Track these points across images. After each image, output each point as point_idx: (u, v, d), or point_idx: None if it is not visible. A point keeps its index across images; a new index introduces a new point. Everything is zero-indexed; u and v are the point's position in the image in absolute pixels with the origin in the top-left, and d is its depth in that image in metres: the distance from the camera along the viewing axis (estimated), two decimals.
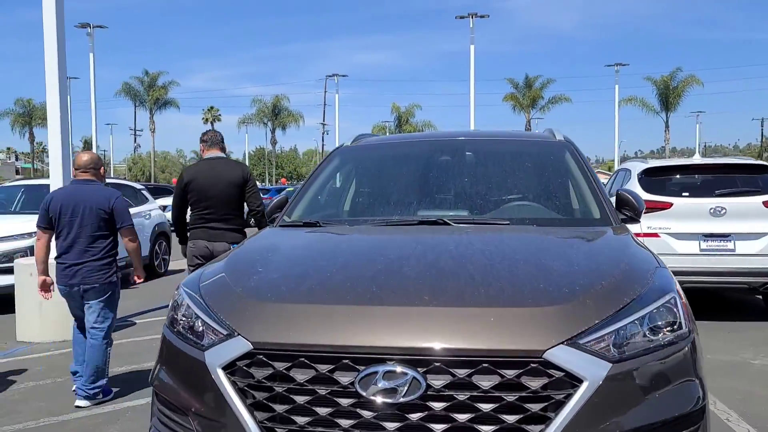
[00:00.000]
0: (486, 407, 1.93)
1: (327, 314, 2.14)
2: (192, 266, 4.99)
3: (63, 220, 4.48)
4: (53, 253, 4.62)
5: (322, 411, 2.01)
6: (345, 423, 1.99)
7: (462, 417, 1.93)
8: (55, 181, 6.98)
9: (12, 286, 7.04)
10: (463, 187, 3.50)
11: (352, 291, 2.24)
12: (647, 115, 50.49)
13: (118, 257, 4.70)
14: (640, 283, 2.24)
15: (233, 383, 2.12)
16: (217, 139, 5.27)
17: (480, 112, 29.53)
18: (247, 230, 5.14)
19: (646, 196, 6.74)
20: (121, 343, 6.09)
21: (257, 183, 5.54)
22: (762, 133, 73.93)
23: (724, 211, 6.75)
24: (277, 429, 2.05)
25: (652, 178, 7.22)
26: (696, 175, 7.37)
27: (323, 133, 65.71)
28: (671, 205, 6.88)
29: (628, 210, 3.27)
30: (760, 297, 7.53)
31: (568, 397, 1.92)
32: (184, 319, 2.43)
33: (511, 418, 1.92)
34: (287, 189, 27.44)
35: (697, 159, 8.09)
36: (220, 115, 69.23)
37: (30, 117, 60.13)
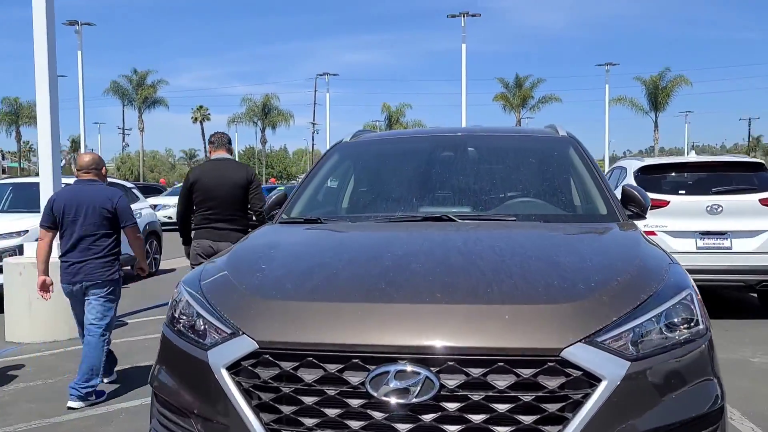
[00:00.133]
0: (501, 408, 1.86)
1: (335, 312, 2.07)
2: (195, 265, 4.97)
3: (67, 220, 4.56)
4: (56, 251, 4.70)
5: (331, 412, 1.94)
6: (355, 425, 1.92)
7: (477, 418, 1.87)
8: (45, 179, 6.87)
9: (1, 286, 6.91)
10: (466, 183, 3.43)
11: (360, 288, 2.17)
12: (636, 115, 50.84)
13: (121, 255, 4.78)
14: (655, 280, 2.19)
15: (238, 384, 2.05)
16: (224, 140, 5.37)
17: (470, 112, 29.66)
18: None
19: None
20: (114, 344, 5.92)
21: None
22: (749, 132, 74.63)
23: (720, 208, 6.75)
24: (283, 431, 1.97)
25: (649, 176, 7.20)
26: (692, 173, 7.36)
27: (313, 133, 65.63)
28: (668, 202, 6.86)
29: (634, 206, 3.23)
30: (755, 295, 7.54)
31: (586, 396, 1.86)
32: (184, 317, 2.36)
33: (527, 419, 1.86)
34: (278, 188, 27.21)
35: (692, 157, 8.08)
36: (209, 114, 68.83)
37: (17, 116, 59.51)
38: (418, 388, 1.88)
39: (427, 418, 1.88)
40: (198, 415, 2.14)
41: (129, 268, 8.59)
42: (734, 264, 6.64)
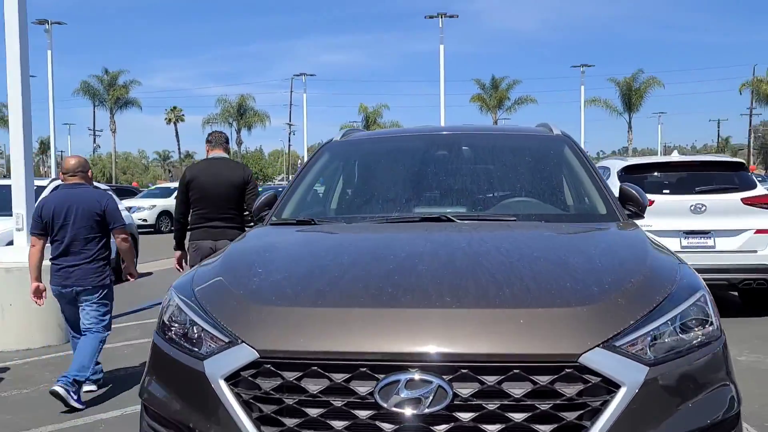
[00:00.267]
0: (518, 417, 1.78)
1: (340, 318, 1.96)
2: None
3: (56, 225, 4.54)
4: (47, 255, 4.68)
5: (338, 425, 1.84)
6: None
7: (492, 428, 1.78)
8: (17, 182, 6.63)
9: None
10: (463, 183, 3.36)
11: (365, 292, 2.07)
12: (611, 116, 51.44)
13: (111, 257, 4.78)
14: (668, 281, 2.13)
15: (237, 395, 1.93)
16: (221, 139, 5.36)
17: (447, 113, 29.67)
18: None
19: None
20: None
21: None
22: (718, 133, 76.09)
23: (704, 208, 6.79)
24: None
25: (632, 176, 7.21)
26: (675, 173, 7.41)
27: (290, 134, 65.20)
28: (652, 202, 6.87)
29: (632, 205, 3.18)
30: (736, 294, 7.60)
31: (605, 404, 1.79)
32: (176, 325, 2.23)
33: (544, 429, 1.78)
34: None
35: (675, 156, 8.14)
36: (183, 115, 67.95)
37: None
38: (431, 397, 1.79)
39: (440, 429, 1.79)
40: (193, 429, 2.02)
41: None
42: (717, 263, 6.69)
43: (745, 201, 6.79)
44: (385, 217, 3.03)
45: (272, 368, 1.91)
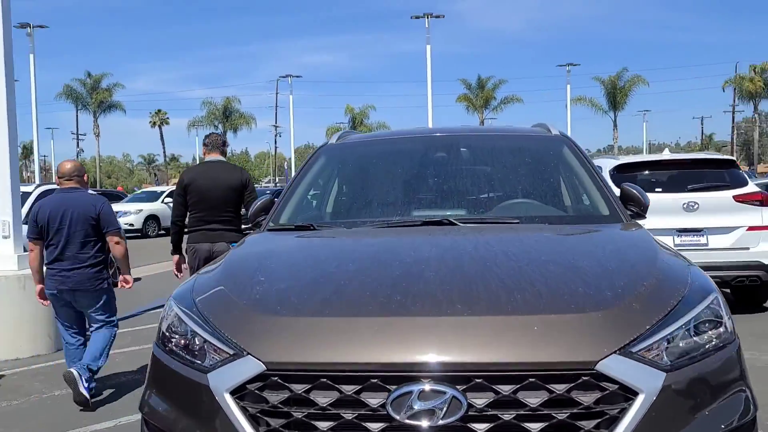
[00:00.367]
0: (534, 427, 1.74)
1: (349, 328, 1.91)
2: (195, 268, 5.05)
3: (51, 229, 4.55)
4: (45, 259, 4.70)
5: None
6: None
7: None
8: (3, 188, 6.48)
9: None
10: (463, 185, 3.32)
11: (373, 301, 2.01)
12: (596, 114, 51.78)
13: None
14: (681, 283, 2.09)
15: (243, 409, 1.87)
16: (218, 142, 5.40)
17: (434, 113, 29.70)
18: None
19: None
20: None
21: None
22: (702, 131, 76.86)
23: (696, 206, 6.81)
24: None
25: (625, 175, 7.21)
26: (667, 171, 7.42)
27: (276, 135, 64.91)
28: None
29: (634, 205, 3.15)
30: (729, 291, 7.63)
31: (623, 411, 1.75)
32: (177, 336, 2.17)
33: None
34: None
35: (667, 155, 8.17)
36: (168, 118, 67.49)
37: None
38: (445, 408, 1.74)
39: None
40: None
41: None
42: (710, 260, 6.70)
43: (736, 198, 6.82)
44: (385, 221, 2.98)
45: (280, 381, 1.85)
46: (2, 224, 6.42)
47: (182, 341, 2.13)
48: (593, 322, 1.85)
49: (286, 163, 66.23)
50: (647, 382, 1.76)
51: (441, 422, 1.73)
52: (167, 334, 2.21)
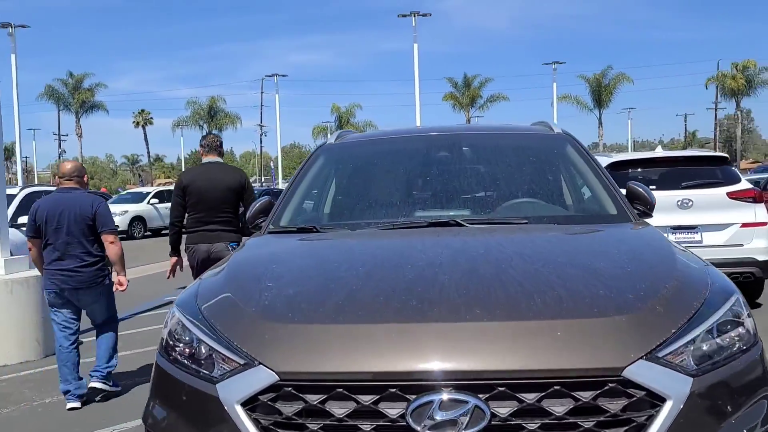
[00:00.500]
0: None
1: (365, 335, 1.84)
2: (194, 268, 5.18)
3: (50, 229, 4.59)
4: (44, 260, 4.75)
5: None
6: None
7: None
8: None
9: None
10: (468, 185, 3.26)
11: (388, 306, 1.94)
12: (581, 112, 52.00)
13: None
14: (702, 285, 2.05)
15: (255, 421, 1.80)
16: (215, 144, 5.43)
17: (421, 111, 29.56)
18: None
19: None
20: None
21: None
22: (685, 127, 77.64)
23: (690, 203, 6.81)
24: None
25: (618, 172, 7.19)
26: (660, 168, 7.42)
27: (261, 135, 64.54)
28: None
29: (640, 204, 3.11)
30: None
31: (650, 419, 1.70)
32: (181, 345, 2.09)
33: None
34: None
35: (660, 152, 8.17)
36: (152, 118, 66.86)
37: None
38: (467, 418, 1.68)
39: None
40: None
41: None
42: (705, 257, 6.70)
43: (730, 195, 6.83)
44: (390, 222, 2.91)
45: (294, 391, 1.78)
46: None
47: (187, 350, 2.06)
48: (618, 327, 1.80)
49: (272, 162, 65.88)
50: (675, 388, 1.72)
51: None
52: (171, 342, 2.13)
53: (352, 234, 2.88)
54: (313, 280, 2.24)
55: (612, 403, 1.70)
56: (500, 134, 3.77)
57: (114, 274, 4.89)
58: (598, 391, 1.70)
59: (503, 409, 1.69)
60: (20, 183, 26.82)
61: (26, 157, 68.62)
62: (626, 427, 1.70)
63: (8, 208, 7.40)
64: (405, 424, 1.70)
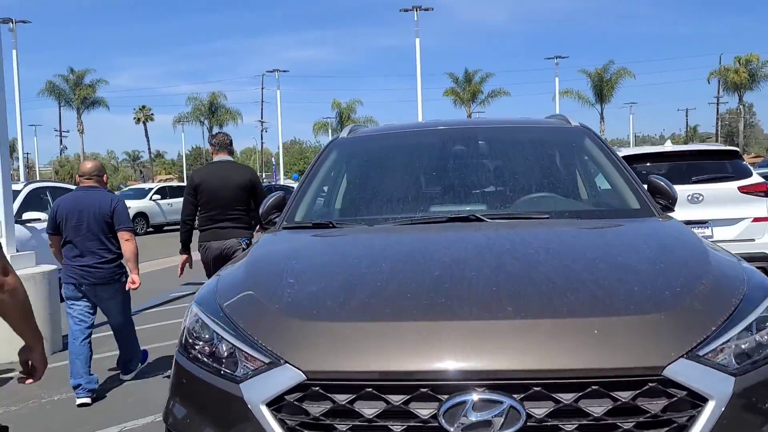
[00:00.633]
0: None
1: (395, 334, 1.79)
2: (206, 263, 5.30)
3: (69, 226, 4.73)
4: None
5: None
6: None
7: None
8: None
9: None
10: (486, 179, 3.20)
11: (416, 304, 1.89)
12: (583, 107, 51.89)
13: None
14: (738, 281, 1.99)
15: (281, 422, 1.75)
16: (225, 142, 5.50)
17: (422, 107, 29.40)
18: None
19: None
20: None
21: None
22: (687, 122, 77.41)
23: (701, 197, 6.76)
24: None
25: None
26: (669, 163, 7.36)
27: (262, 131, 64.48)
28: None
29: (662, 198, 3.05)
30: None
31: (692, 419, 1.64)
32: (201, 343, 2.04)
33: None
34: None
35: (669, 146, 8.11)
36: (152, 114, 66.78)
37: None
38: (502, 419, 1.63)
39: None
40: None
41: None
42: None
43: (741, 189, 6.77)
44: (408, 217, 2.86)
45: (321, 391, 1.74)
46: None
47: (208, 348, 2.01)
48: (656, 325, 1.74)
49: (273, 158, 65.78)
50: (717, 388, 1.66)
51: None
52: (190, 340, 2.08)
53: (370, 229, 2.82)
54: (336, 277, 2.19)
55: (652, 404, 1.65)
56: (517, 127, 3.70)
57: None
58: (638, 391, 1.64)
59: (539, 410, 1.64)
60: (22, 179, 26.77)
61: (28, 154, 68.54)
62: (667, 428, 1.65)
63: (13, 203, 7.34)
64: (437, 425, 1.66)
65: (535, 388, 1.65)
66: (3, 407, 4.65)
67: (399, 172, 3.37)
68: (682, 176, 7.04)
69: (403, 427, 1.68)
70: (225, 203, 5.21)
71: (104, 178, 5.01)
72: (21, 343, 2.09)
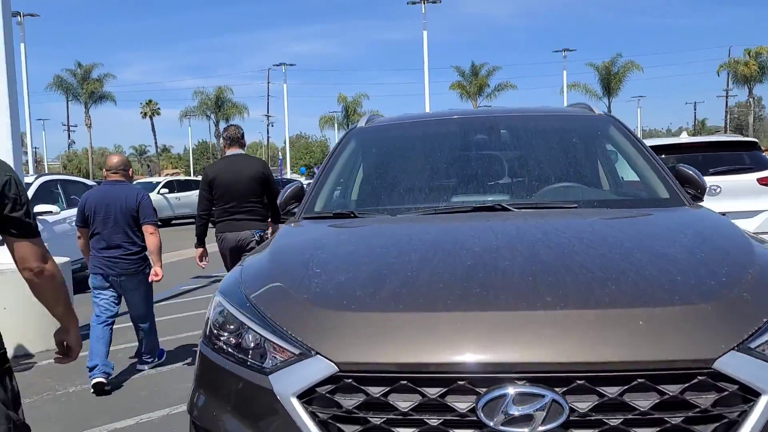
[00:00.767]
0: None
1: (430, 324, 1.73)
2: (231, 263, 5.38)
3: (97, 219, 4.90)
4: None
5: None
6: None
7: None
8: None
9: None
10: (510, 168, 3.13)
11: (450, 294, 1.82)
12: (590, 100, 51.50)
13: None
14: None
15: (312, 415, 1.69)
16: (236, 135, 5.61)
17: (430, 101, 29.21)
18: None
19: None
20: (82, 356, 5.50)
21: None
22: (695, 116, 76.94)
23: (719, 189, 6.66)
24: None
25: None
26: (686, 155, 7.25)
27: (268, 125, 64.43)
28: None
29: (691, 188, 2.98)
30: None
31: (743, 414, 1.57)
32: (227, 334, 1.99)
33: None
34: None
35: (685, 138, 8.00)
36: (159, 108, 66.91)
37: None
38: (544, 413, 1.57)
39: None
40: None
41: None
42: None
43: (761, 181, 6.67)
44: (432, 207, 2.79)
45: (354, 383, 1.68)
46: None
47: (234, 340, 1.95)
48: (705, 316, 1.67)
49: (279, 152, 65.77)
50: None
51: (541, 429, 1.56)
52: (215, 331, 2.03)
53: (393, 219, 2.76)
54: (364, 267, 2.12)
55: (701, 398, 1.58)
56: (540, 116, 3.62)
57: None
58: (686, 385, 1.57)
59: (582, 404, 1.58)
60: (31, 173, 26.87)
61: (36, 148, 68.84)
62: (717, 424, 1.58)
63: None
64: (475, 418, 1.59)
65: (578, 382, 1.59)
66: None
67: (420, 161, 3.30)
68: (699, 168, 6.88)
69: (440, 421, 1.62)
70: (239, 196, 5.34)
71: (130, 172, 5.17)
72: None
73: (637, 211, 2.67)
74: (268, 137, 67.46)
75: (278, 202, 3.33)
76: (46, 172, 49.59)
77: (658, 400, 1.57)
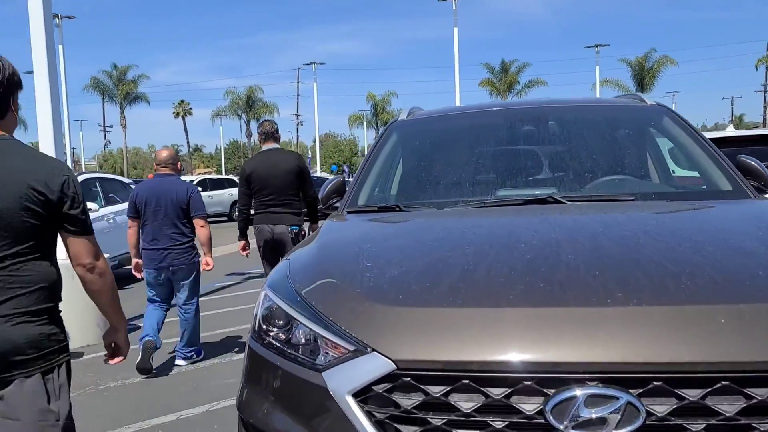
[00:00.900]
0: None
1: (494, 320, 1.63)
2: (264, 255, 5.62)
3: (148, 211, 5.10)
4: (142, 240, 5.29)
5: None
6: None
7: None
8: None
9: None
10: (562, 160, 3.01)
11: (513, 288, 1.73)
12: None
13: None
14: None
15: (369, 414, 1.62)
16: (271, 130, 5.74)
17: (459, 98, 28.98)
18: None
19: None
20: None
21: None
22: (732, 111, 74.98)
23: None
24: None
25: None
26: (732, 149, 6.98)
27: (298, 124, 64.78)
28: None
29: (754, 179, 2.82)
30: None
31: None
32: (276, 329, 1.92)
33: None
34: None
35: (731, 131, 7.73)
36: (191, 108, 67.76)
37: None
38: (619, 416, 1.46)
39: None
40: None
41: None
42: None
43: None
44: (481, 200, 2.70)
45: (413, 382, 1.59)
46: None
47: (285, 335, 1.89)
48: None
49: (309, 151, 66.06)
50: None
51: None
52: (265, 326, 1.97)
53: (440, 212, 2.67)
54: (417, 261, 2.04)
55: None
56: (589, 107, 3.49)
57: (201, 255, 5.30)
58: None
59: (660, 407, 1.47)
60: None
61: (74, 148, 70.35)
62: None
63: None
64: (543, 421, 1.50)
65: (655, 383, 1.48)
66: None
67: (465, 153, 3.21)
68: None
69: (505, 423, 1.53)
70: (276, 190, 5.49)
71: (179, 166, 5.36)
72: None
73: (700, 204, 2.53)
74: (297, 136, 67.86)
75: (320, 196, 3.27)
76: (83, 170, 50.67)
77: (744, 405, 1.46)
